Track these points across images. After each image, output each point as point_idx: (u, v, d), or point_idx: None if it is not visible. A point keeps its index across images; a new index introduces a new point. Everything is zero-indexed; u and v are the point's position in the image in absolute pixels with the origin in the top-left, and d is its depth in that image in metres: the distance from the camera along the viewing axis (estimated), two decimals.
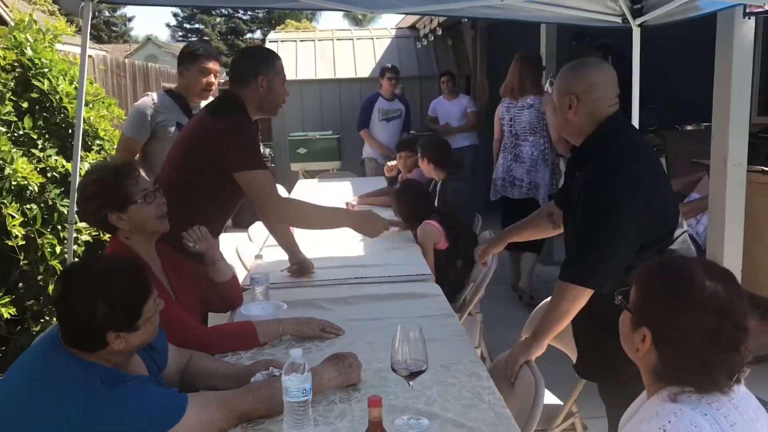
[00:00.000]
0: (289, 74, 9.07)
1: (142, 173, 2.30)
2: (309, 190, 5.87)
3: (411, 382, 1.79)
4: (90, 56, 6.75)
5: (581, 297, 2.08)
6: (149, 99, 3.59)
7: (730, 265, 3.20)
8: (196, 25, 40.86)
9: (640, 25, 3.49)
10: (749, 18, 3.00)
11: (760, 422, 1.31)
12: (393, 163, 5.26)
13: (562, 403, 2.55)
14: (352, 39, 9.95)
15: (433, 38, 8.64)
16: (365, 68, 9.19)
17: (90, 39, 3.41)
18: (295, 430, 1.62)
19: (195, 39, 40.29)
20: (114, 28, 40.42)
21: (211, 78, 3.59)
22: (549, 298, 2.30)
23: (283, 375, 1.63)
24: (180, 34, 41.94)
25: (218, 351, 2.21)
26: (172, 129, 3.54)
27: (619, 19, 3.56)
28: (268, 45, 9.87)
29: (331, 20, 54.83)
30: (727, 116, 3.19)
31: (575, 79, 2.16)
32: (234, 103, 2.69)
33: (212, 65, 3.59)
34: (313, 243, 3.77)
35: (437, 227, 3.58)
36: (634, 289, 1.39)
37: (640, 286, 1.38)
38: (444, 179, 4.28)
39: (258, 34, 39.88)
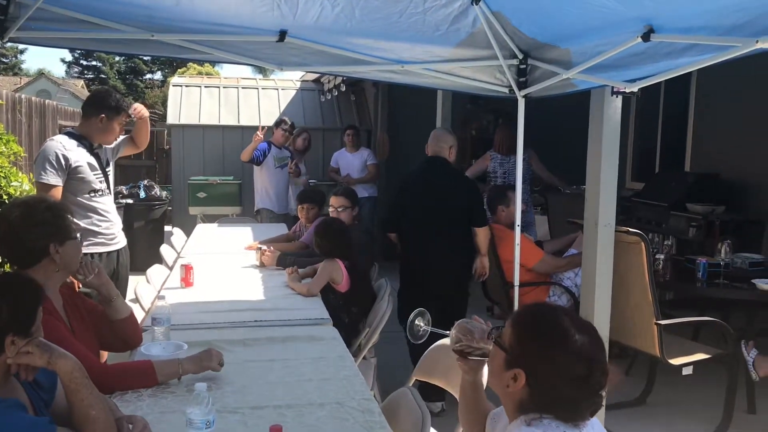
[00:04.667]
0: (192, 119, 9.20)
1: None
2: (209, 235, 5.90)
3: None
4: None
5: None
6: (57, 143, 3.65)
7: (600, 315, 3.56)
8: (93, 62, 39.70)
9: (524, 96, 3.86)
10: (617, 96, 3.40)
11: None
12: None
13: None
14: (258, 88, 10.12)
15: (337, 93, 8.95)
16: (269, 117, 9.36)
17: None
18: None
19: (92, 76, 39.12)
20: (3, 59, 38.65)
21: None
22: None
23: (188, 408, 1.73)
24: (76, 70, 40.59)
25: (116, 389, 2.24)
26: (83, 169, 3.66)
27: (506, 90, 3.91)
28: (171, 89, 9.87)
29: (236, 68, 54.79)
30: (597, 181, 3.55)
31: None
32: None
33: (126, 117, 3.85)
34: (214, 286, 3.85)
35: (343, 269, 3.74)
36: (511, 332, 1.54)
37: (516, 330, 1.53)
38: (349, 228, 4.47)
39: (159, 75, 39.22)
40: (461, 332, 1.75)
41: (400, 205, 4.42)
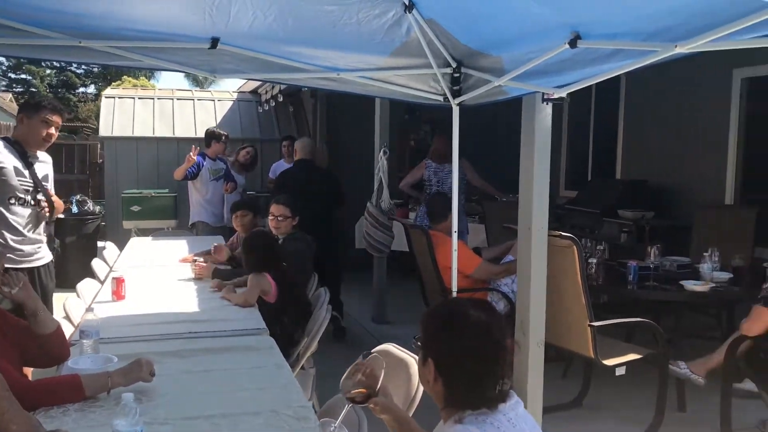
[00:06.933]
0: (126, 131, 8.99)
1: None
2: (143, 248, 5.76)
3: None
4: None
5: None
6: None
7: (535, 318, 3.61)
8: (23, 76, 38.35)
9: (458, 104, 3.91)
10: (547, 103, 3.48)
11: None
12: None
13: None
14: (193, 99, 9.97)
15: (274, 103, 8.89)
16: (206, 129, 9.25)
17: None
18: None
19: (21, 90, 37.81)
20: None
21: (52, 130, 3.70)
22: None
23: (114, 419, 1.67)
24: (4, 83, 39.14)
25: (41, 404, 2.15)
26: (7, 171, 3.58)
27: (441, 98, 3.95)
28: (104, 100, 9.63)
29: (172, 80, 53.78)
30: (530, 187, 3.61)
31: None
32: None
33: (55, 118, 3.70)
34: (147, 299, 3.75)
35: (270, 281, 3.70)
36: (420, 328, 1.65)
37: (423, 325, 1.65)
38: (285, 238, 4.43)
39: (92, 89, 38.18)
40: (345, 388, 1.85)
41: (284, 189, 5.48)
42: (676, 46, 2.19)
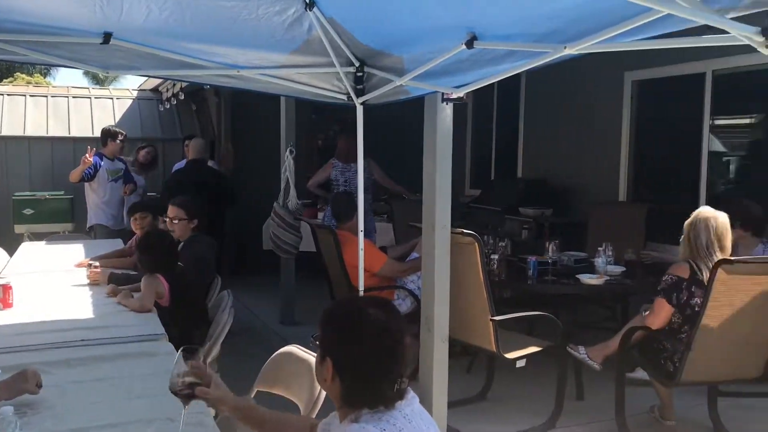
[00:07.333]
0: (17, 130, 8.50)
1: None
2: (35, 253, 5.46)
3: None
4: None
5: None
6: None
7: (439, 314, 3.66)
8: None
9: (362, 103, 3.91)
10: (447, 103, 3.54)
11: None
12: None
13: None
14: (90, 97, 9.55)
15: (176, 102, 8.64)
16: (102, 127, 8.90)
17: None
18: None
19: None
20: None
21: None
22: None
23: None
24: None
25: None
26: None
27: (345, 97, 3.95)
28: None
29: (69, 77, 51.37)
30: (433, 185, 3.66)
31: None
32: None
33: None
34: (38, 306, 3.55)
35: (163, 282, 3.59)
36: (319, 327, 1.63)
37: (322, 324, 1.62)
38: (187, 240, 4.30)
39: None
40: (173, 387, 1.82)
41: (173, 189, 5.66)
42: (565, 48, 2.27)
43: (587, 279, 4.42)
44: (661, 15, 1.88)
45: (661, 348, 3.75)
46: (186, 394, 1.80)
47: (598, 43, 2.15)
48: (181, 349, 1.85)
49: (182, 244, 4.20)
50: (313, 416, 2.37)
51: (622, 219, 5.84)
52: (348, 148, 6.13)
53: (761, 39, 1.61)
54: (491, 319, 3.83)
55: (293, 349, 2.71)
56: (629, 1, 1.72)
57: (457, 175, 7.79)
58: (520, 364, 3.90)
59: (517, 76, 7.44)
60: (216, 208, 5.94)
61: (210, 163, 7.65)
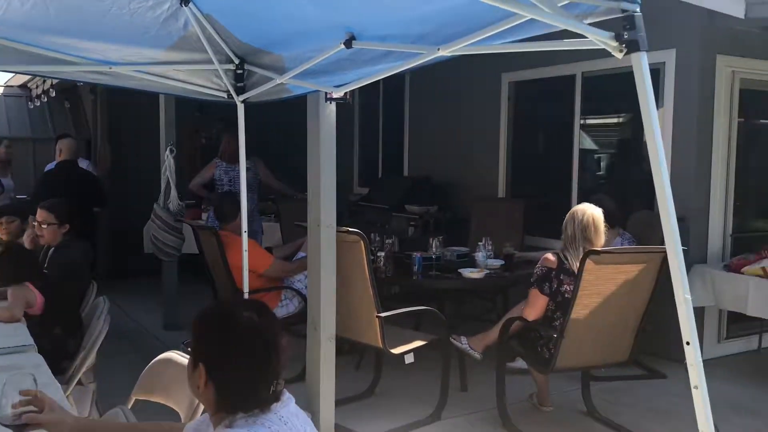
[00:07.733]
0: None
1: None
2: None
3: None
4: None
5: None
6: None
7: (326, 313, 3.67)
8: None
9: (243, 102, 3.85)
10: (330, 102, 3.55)
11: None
12: None
13: None
14: None
15: (47, 99, 8.16)
16: None
17: None
18: None
19: None
20: None
21: None
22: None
23: None
24: None
25: None
26: None
27: (225, 95, 3.87)
28: None
29: None
30: (318, 184, 3.67)
31: None
32: None
33: None
34: None
35: (35, 291, 3.41)
36: (191, 334, 1.59)
37: (193, 330, 1.59)
38: (57, 246, 4.06)
39: None
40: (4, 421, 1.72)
41: (43, 192, 5.44)
42: (438, 49, 2.34)
43: (468, 273, 4.57)
44: (525, 19, 1.97)
45: (537, 336, 3.94)
46: (19, 425, 1.69)
47: (469, 45, 2.22)
48: (7, 376, 1.74)
49: (52, 249, 3.96)
50: None
51: (502, 214, 6.07)
52: (231, 148, 5.99)
53: (615, 44, 1.71)
54: (377, 316, 3.88)
55: (172, 354, 2.63)
56: (495, 6, 1.79)
57: (345, 173, 7.85)
58: (409, 359, 3.97)
59: (402, 76, 7.55)
60: (87, 210, 5.67)
61: (85, 164, 7.31)
